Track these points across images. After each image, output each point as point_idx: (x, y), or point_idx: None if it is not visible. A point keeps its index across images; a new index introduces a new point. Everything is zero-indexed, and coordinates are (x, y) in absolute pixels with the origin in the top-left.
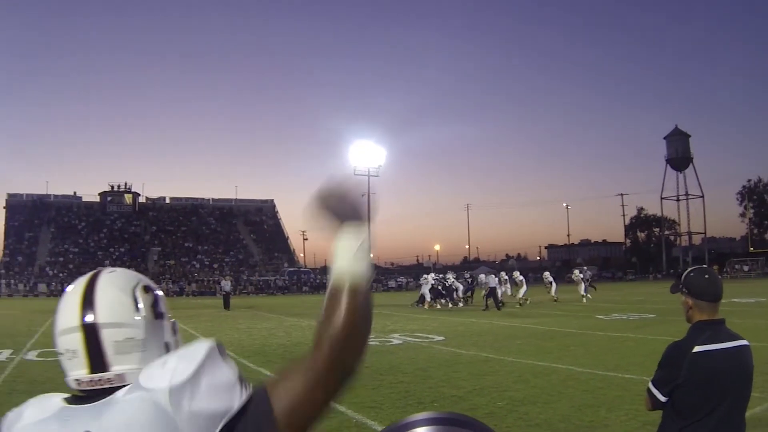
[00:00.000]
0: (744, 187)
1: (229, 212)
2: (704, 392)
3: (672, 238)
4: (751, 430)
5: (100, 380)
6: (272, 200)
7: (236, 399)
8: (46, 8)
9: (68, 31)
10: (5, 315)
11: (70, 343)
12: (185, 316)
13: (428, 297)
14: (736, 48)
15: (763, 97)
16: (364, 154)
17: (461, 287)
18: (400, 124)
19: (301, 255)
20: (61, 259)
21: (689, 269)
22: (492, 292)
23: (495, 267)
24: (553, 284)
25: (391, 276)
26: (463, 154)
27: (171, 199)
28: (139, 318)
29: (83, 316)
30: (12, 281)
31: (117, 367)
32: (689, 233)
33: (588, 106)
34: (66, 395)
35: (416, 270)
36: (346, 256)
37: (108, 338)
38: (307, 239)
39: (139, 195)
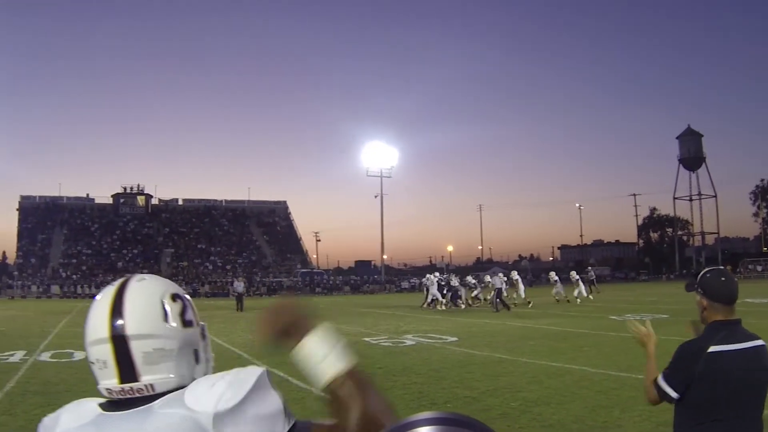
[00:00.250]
0: (757, 186)
1: (241, 213)
2: (720, 392)
3: (685, 238)
4: None
5: (130, 390)
6: (285, 201)
7: (278, 430)
8: (61, 11)
9: (82, 33)
10: (19, 316)
11: (100, 353)
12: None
13: (440, 297)
14: (749, 47)
15: None
16: (377, 155)
17: (463, 290)
18: (412, 125)
19: (314, 256)
20: (74, 260)
21: (706, 270)
22: (498, 294)
23: (508, 268)
24: (559, 284)
25: (404, 277)
26: (476, 155)
27: (184, 200)
28: (167, 328)
29: (112, 327)
30: (25, 283)
31: (147, 377)
32: (702, 233)
33: (600, 106)
34: (100, 401)
35: (429, 271)
36: (325, 363)
37: (137, 349)
38: (320, 240)
39: (151, 197)
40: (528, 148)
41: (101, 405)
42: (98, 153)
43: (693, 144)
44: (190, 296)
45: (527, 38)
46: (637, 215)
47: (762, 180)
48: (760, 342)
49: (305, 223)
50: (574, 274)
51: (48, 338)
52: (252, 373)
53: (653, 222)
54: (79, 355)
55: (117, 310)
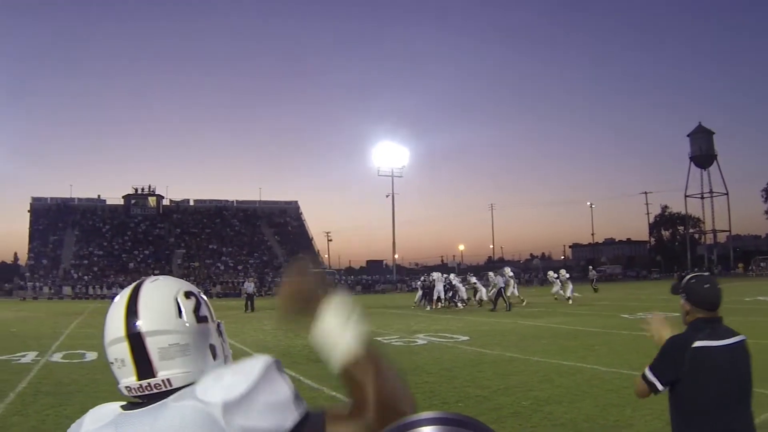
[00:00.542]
0: None
1: (253, 214)
2: (707, 387)
3: (696, 236)
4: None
5: (148, 386)
6: (296, 201)
7: (290, 418)
8: (72, 13)
9: (92, 35)
10: (31, 317)
11: (118, 352)
12: None
13: (443, 295)
14: (760, 44)
15: None
16: (388, 155)
17: (463, 289)
18: (423, 124)
19: (326, 256)
20: (86, 261)
21: (690, 275)
22: (500, 292)
23: (519, 267)
24: (559, 282)
25: (416, 276)
26: (486, 154)
27: (195, 201)
28: (182, 324)
29: (128, 326)
30: (37, 284)
31: (163, 372)
32: (714, 231)
33: (611, 105)
34: (123, 403)
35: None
36: (343, 335)
37: (153, 345)
38: (331, 240)
39: (163, 197)
40: (539, 146)
41: (122, 406)
42: (109, 154)
43: (704, 142)
44: None
45: (538, 37)
46: (648, 213)
47: None
48: (741, 337)
49: (317, 223)
50: (552, 274)
51: (60, 339)
52: (260, 361)
53: (665, 220)
54: (90, 356)
55: (132, 309)
